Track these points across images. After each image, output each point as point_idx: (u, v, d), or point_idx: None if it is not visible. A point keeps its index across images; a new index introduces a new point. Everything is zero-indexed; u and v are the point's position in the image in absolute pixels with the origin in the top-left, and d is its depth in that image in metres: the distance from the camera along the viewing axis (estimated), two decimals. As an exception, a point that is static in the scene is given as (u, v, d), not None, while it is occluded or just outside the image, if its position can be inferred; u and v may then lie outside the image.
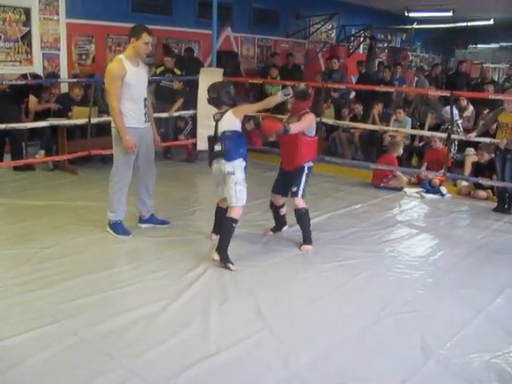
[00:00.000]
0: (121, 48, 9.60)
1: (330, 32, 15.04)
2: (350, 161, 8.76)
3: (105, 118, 7.29)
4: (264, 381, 2.92)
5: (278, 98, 4.66)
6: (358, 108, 9.66)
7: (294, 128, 4.78)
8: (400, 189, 7.41)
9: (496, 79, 13.52)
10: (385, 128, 8.71)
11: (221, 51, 10.66)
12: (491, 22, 15.62)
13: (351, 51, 14.76)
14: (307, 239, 5.02)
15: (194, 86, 8.56)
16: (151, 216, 5.42)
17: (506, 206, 6.57)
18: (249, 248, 4.97)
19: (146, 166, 5.20)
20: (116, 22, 9.33)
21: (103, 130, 7.29)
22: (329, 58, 12.01)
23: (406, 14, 15.07)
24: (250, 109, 4.92)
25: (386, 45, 16.81)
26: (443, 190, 7.29)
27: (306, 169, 4.99)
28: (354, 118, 9.53)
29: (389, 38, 17.52)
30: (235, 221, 4.54)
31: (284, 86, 4.82)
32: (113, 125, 4.92)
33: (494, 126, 6.92)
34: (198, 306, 3.77)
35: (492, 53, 19.14)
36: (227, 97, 4.59)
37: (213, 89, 4.60)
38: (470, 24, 16.31)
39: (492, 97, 7.38)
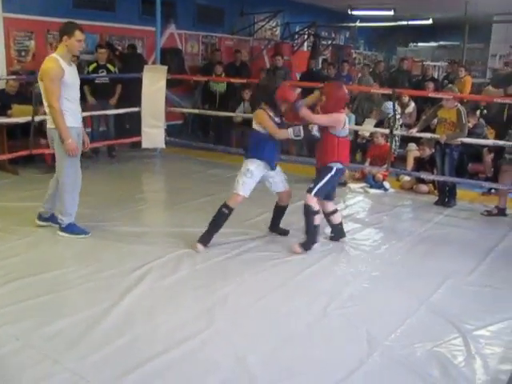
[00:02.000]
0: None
1: (275, 29, 15.09)
2: (295, 157, 8.80)
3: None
4: (212, 379, 2.91)
5: (287, 135, 4.72)
6: (303, 105, 9.72)
7: (308, 114, 4.63)
8: (344, 184, 7.51)
9: (436, 76, 13.86)
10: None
11: (165, 48, 10.58)
12: (430, 21, 16.02)
13: (295, 48, 14.86)
14: (305, 242, 4.89)
15: (136, 82, 8.43)
16: (52, 215, 5.23)
17: (447, 200, 6.74)
18: (190, 245, 4.93)
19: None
20: (57, 18, 9.05)
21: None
22: (273, 55, 12.06)
23: (349, 12, 15.26)
24: (264, 123, 4.80)
25: (329, 42, 16.98)
26: (386, 184, 7.44)
27: (333, 170, 4.82)
28: (299, 115, 9.59)
29: (333, 35, 17.69)
30: (228, 207, 4.79)
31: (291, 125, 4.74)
32: (50, 126, 4.80)
33: (435, 121, 7.09)
34: (144, 306, 3.73)
35: (432, 51, 19.62)
36: (259, 98, 4.90)
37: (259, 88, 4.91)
38: (410, 23, 16.65)
39: (432, 95, 7.56)
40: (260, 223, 5.62)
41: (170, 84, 8.94)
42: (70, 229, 5.02)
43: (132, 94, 8.61)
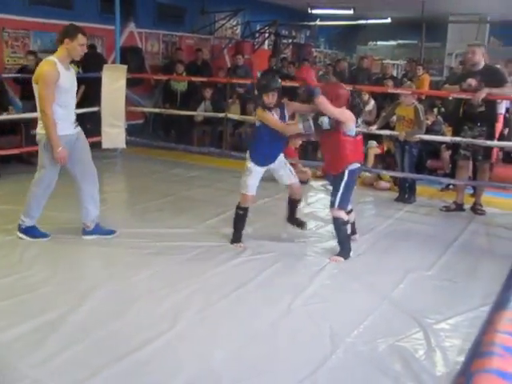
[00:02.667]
0: (18, 43, 9.20)
1: (235, 28, 15.09)
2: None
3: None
4: (177, 379, 2.89)
5: (297, 129, 4.72)
6: (264, 103, 9.76)
7: (325, 102, 4.49)
8: (306, 182, 7.55)
9: (395, 75, 14.05)
10: (289, 122, 8.85)
11: (125, 47, 10.47)
12: (389, 20, 16.26)
13: (256, 47, 14.89)
14: (341, 251, 4.80)
15: (96, 82, 8.33)
16: (96, 226, 5.03)
17: (407, 196, 6.85)
18: (155, 244, 4.90)
19: (83, 171, 4.89)
20: (12, 15, 8.91)
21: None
22: (234, 53, 12.07)
23: (309, 11, 15.37)
24: (268, 120, 4.78)
25: (290, 41, 17.07)
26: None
27: (345, 176, 4.65)
28: (261, 114, 9.61)
29: (293, 34, 17.79)
30: (240, 207, 4.94)
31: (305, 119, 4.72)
32: (40, 131, 4.65)
33: (394, 119, 7.20)
34: (106, 309, 3.67)
35: (391, 50, 19.89)
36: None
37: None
38: (369, 22, 16.86)
39: (390, 91, 7.66)
40: (220, 223, 5.61)
41: (131, 83, 8.86)
42: (31, 232, 4.91)
43: (92, 93, 8.50)
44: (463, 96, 6.23)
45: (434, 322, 3.66)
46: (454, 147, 6.71)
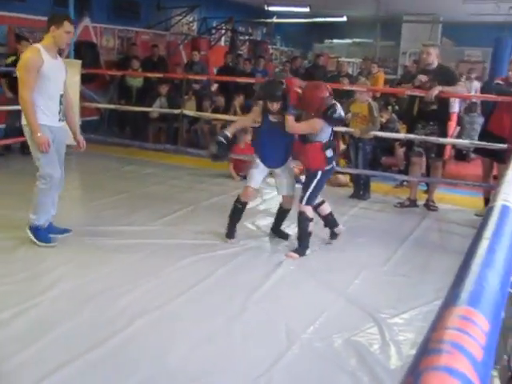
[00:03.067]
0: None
1: (192, 24, 15.00)
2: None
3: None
4: (131, 380, 2.85)
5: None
6: (220, 100, 9.75)
7: (291, 126, 4.68)
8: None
9: (350, 72, 14.21)
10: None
11: (79, 42, 10.28)
12: (345, 19, 16.43)
13: (213, 43, 14.83)
14: (298, 248, 4.82)
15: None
16: (49, 225, 4.82)
17: (362, 193, 6.93)
18: (112, 242, 4.83)
19: None
20: (-41, 8, 8.64)
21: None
22: (190, 50, 12.00)
23: (266, 8, 15.40)
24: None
25: (246, 38, 17.07)
26: (303, 178, 7.52)
27: (318, 175, 4.77)
28: (216, 110, 9.60)
29: (250, 31, 17.79)
30: (239, 201, 4.97)
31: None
32: (24, 122, 4.47)
33: (350, 116, 7.26)
34: (63, 306, 3.61)
35: (346, 48, 20.08)
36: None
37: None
38: (325, 20, 16.99)
39: (346, 88, 7.74)
40: (176, 220, 5.56)
41: (85, 79, 8.71)
42: (35, 232, 4.64)
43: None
44: (417, 94, 6.33)
45: (389, 316, 3.71)
46: (408, 144, 6.82)
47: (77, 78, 8.16)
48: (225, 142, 4.74)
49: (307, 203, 4.76)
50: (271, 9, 15.68)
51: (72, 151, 8.14)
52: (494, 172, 6.67)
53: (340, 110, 4.67)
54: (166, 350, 3.14)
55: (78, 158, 8.54)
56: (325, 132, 4.72)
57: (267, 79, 5.47)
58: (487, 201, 6.40)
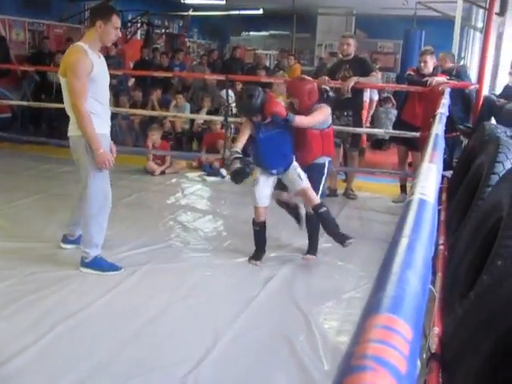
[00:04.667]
0: None
1: (106, 17, 14.64)
2: (130, 148, 8.66)
3: None
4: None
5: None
6: (138, 95, 9.59)
7: (303, 120, 4.28)
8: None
9: (268, 65, 14.32)
10: (164, 114, 8.82)
11: (-15, 36, 9.84)
12: (261, 11, 16.53)
13: (129, 37, 14.55)
14: (338, 238, 4.44)
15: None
16: (80, 236, 4.37)
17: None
18: (31, 246, 4.65)
19: None
20: None
21: None
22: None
23: (182, 1, 15.27)
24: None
25: (163, 31, 16.85)
26: (223, 171, 7.54)
27: (325, 168, 4.51)
28: (134, 105, 9.43)
29: (166, 24, 17.58)
30: (255, 223, 4.54)
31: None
32: (73, 133, 3.96)
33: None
34: None
35: (263, 40, 20.21)
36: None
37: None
38: (241, 12, 17.03)
39: (264, 80, 7.77)
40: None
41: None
42: (98, 264, 4.14)
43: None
44: (332, 85, 6.44)
45: (313, 305, 3.76)
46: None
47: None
48: (242, 156, 4.28)
49: (321, 197, 4.49)
50: (187, 1, 15.56)
51: None
52: (410, 159, 6.90)
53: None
54: (90, 353, 3.06)
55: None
56: (329, 120, 4.59)
57: (239, 95, 4.88)
58: (403, 187, 6.63)
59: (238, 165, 4.19)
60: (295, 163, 4.38)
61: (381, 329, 0.62)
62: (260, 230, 4.55)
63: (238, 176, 4.25)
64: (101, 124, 3.95)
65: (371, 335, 0.62)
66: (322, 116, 4.40)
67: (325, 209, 4.37)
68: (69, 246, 4.54)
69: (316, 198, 4.37)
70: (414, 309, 0.67)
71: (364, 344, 0.60)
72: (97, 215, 4.08)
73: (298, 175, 4.39)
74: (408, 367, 0.60)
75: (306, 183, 4.37)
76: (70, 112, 3.95)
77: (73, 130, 3.97)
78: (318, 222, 4.51)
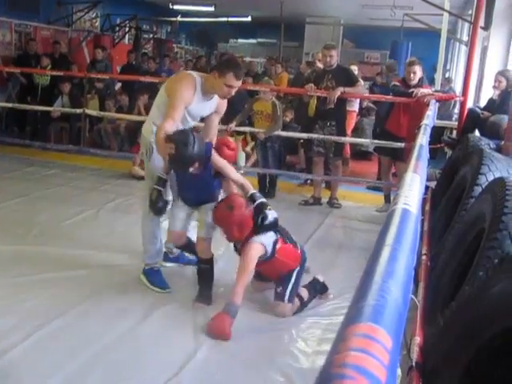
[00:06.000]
0: None
1: (95, 20, 14.61)
2: (116, 153, 8.62)
3: None
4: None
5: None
6: (124, 99, 9.56)
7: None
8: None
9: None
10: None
11: (-29, 36, 9.76)
12: (249, 18, 16.59)
13: (116, 41, 14.53)
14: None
15: None
16: (182, 253, 4.37)
17: (267, 191, 6.95)
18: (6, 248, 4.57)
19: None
20: None
21: None
22: (93, 47, 11.69)
23: (171, 7, 15.28)
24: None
25: (151, 36, 16.86)
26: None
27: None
28: (120, 110, 9.40)
29: (154, 29, 17.58)
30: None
31: None
32: (150, 137, 3.87)
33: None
34: None
35: (251, 47, 20.29)
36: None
37: None
38: (230, 19, 17.07)
39: (250, 88, 7.78)
40: (77, 224, 5.39)
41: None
42: (151, 276, 4.04)
43: None
44: (318, 94, 6.47)
45: (295, 313, 3.76)
46: (306, 144, 6.98)
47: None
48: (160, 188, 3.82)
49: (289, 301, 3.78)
50: (176, 7, 15.58)
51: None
52: (393, 169, 6.94)
53: (271, 214, 3.67)
54: (68, 360, 3.00)
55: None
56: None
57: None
58: (387, 197, 6.66)
59: (153, 197, 3.77)
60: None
61: (361, 337, 0.62)
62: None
63: (153, 208, 3.81)
64: None
65: (351, 344, 0.62)
66: (252, 261, 3.60)
67: (207, 267, 3.85)
68: (169, 264, 4.37)
69: (206, 254, 3.83)
70: (394, 318, 0.67)
71: (344, 352, 0.60)
72: (149, 222, 4.07)
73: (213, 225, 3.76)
74: (388, 376, 0.60)
75: (205, 233, 3.80)
76: (156, 120, 3.87)
77: (150, 132, 3.94)
78: (209, 272, 3.91)
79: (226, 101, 4.03)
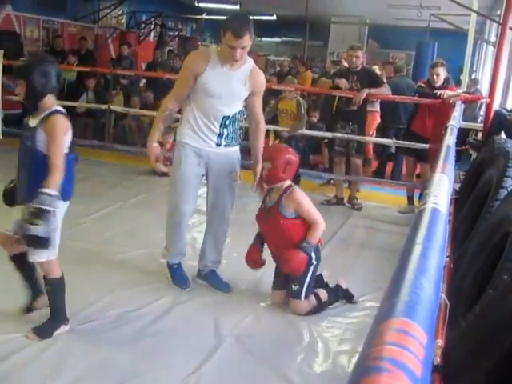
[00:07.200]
0: None
1: (121, 18, 14.72)
2: (139, 149, 8.66)
3: None
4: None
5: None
6: (149, 96, 9.62)
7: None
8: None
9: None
10: (175, 116, 8.83)
11: (0, 31, 9.90)
12: (274, 17, 16.58)
13: (142, 38, 14.62)
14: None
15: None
16: (211, 271, 4.09)
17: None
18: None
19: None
20: None
21: None
22: (119, 44, 11.78)
23: (196, 4, 15.33)
24: None
25: (176, 33, 16.92)
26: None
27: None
28: (144, 106, 9.45)
29: (179, 26, 17.64)
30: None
31: None
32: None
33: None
34: None
35: (275, 46, 20.27)
36: None
37: None
38: (255, 18, 17.07)
39: (275, 87, 7.78)
40: (103, 218, 5.44)
41: (7, 70, 8.37)
42: (171, 271, 4.03)
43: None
44: (343, 94, 6.45)
45: (317, 313, 3.74)
46: (329, 144, 6.96)
47: (-2, 69, 7.84)
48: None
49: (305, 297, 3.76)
50: (201, 5, 15.61)
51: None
52: (418, 170, 6.89)
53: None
54: (89, 353, 3.05)
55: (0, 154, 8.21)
56: None
57: None
58: (410, 198, 6.62)
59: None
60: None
61: (397, 332, 0.62)
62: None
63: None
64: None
65: (387, 338, 0.62)
66: (305, 205, 3.74)
67: (53, 288, 3.18)
68: (201, 281, 4.14)
69: (53, 273, 3.15)
70: (428, 314, 0.67)
71: (380, 346, 0.60)
72: (171, 220, 4.01)
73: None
74: (423, 371, 0.60)
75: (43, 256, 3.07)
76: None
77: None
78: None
79: (263, 79, 3.81)
